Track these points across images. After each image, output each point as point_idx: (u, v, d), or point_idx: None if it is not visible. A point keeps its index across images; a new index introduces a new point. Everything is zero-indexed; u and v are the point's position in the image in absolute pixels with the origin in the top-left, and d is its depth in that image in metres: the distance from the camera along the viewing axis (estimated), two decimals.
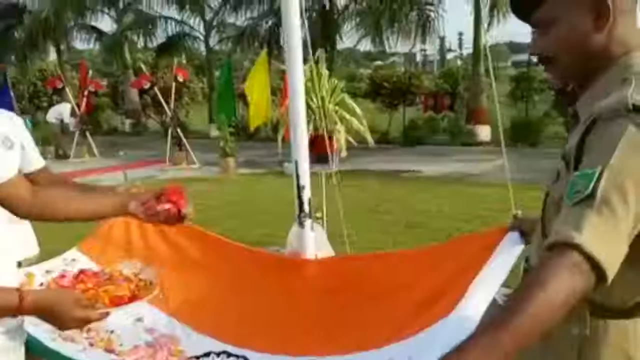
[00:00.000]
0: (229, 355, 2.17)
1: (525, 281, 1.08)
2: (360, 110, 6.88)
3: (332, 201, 4.44)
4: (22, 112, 17.28)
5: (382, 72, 17.68)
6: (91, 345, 2.07)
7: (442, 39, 31.40)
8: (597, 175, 1.07)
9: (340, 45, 18.18)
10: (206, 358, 2.15)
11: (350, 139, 6.79)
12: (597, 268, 1.02)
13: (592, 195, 1.06)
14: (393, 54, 32.86)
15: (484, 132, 14.25)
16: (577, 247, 1.02)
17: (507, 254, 1.73)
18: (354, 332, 2.08)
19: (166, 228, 2.42)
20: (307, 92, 6.37)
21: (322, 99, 6.44)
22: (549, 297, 1.00)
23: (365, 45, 17.26)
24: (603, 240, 1.04)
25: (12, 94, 16.19)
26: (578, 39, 1.23)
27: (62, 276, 2.04)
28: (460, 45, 39.12)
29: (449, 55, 40.76)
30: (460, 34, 37.90)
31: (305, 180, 2.96)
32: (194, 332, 2.26)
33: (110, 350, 2.08)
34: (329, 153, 6.97)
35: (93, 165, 12.64)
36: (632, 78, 1.16)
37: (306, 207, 2.93)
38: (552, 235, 1.09)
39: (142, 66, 14.51)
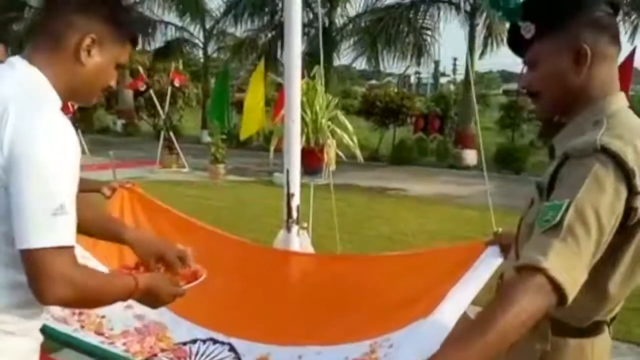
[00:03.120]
0: (215, 342, 2.26)
1: (495, 299, 1.17)
2: (351, 127, 7.05)
3: (319, 213, 4.58)
4: None
5: (375, 91, 17.95)
6: (82, 327, 2.14)
7: (436, 63, 31.77)
8: (564, 207, 1.17)
9: (336, 63, 18.46)
10: (192, 344, 2.24)
11: (340, 153, 6.95)
12: (559, 290, 1.12)
13: (559, 225, 1.16)
14: (388, 74, 33.19)
15: (470, 156, 14.51)
16: (543, 271, 1.12)
17: (485, 267, 1.83)
18: (336, 325, 2.17)
19: (158, 219, 2.56)
20: (302, 106, 6.57)
21: (316, 113, 6.61)
22: (516, 314, 1.10)
23: (361, 64, 17.53)
24: (566, 265, 1.14)
25: None
26: (559, 79, 1.34)
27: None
28: (454, 70, 39.59)
29: (443, 80, 41.20)
30: (455, 59, 38.37)
31: (295, 188, 3.11)
32: (183, 320, 2.34)
33: (100, 333, 2.16)
34: (320, 166, 7.16)
35: (83, 162, 12.61)
36: (604, 120, 1.27)
37: (294, 214, 3.08)
38: (521, 258, 1.19)
39: (140, 68, 14.60)
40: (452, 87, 26.48)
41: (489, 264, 1.84)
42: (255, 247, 2.68)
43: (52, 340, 2.07)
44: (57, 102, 1.33)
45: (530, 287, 1.12)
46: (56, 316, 2.10)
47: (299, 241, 3.03)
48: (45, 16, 1.40)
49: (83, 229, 1.49)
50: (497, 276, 1.66)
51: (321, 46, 5.30)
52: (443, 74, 43.58)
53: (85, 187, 2.28)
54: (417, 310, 1.88)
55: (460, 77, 15.94)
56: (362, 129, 18.52)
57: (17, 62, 1.32)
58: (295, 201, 3.09)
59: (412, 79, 39.56)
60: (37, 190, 1.20)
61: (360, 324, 2.12)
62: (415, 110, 16.86)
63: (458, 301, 1.75)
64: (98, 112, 21.02)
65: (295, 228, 3.03)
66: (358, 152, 7.31)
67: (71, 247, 1.25)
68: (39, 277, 1.22)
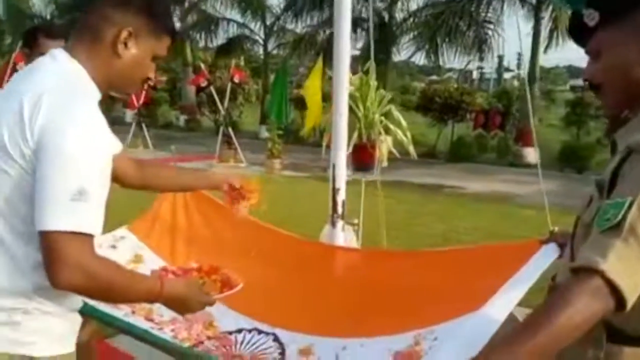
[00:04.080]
0: (260, 332, 2.28)
1: (548, 300, 1.12)
2: (405, 123, 6.97)
3: (370, 209, 4.56)
4: None
5: (434, 87, 17.66)
6: (133, 312, 2.20)
7: (500, 58, 30.95)
8: (627, 205, 1.11)
9: (395, 58, 18.30)
10: (238, 334, 2.27)
11: (393, 149, 6.89)
12: (617, 294, 1.07)
13: (620, 225, 1.10)
14: (449, 70, 32.58)
15: (531, 154, 14.06)
16: (601, 273, 1.07)
17: (538, 266, 1.78)
18: (380, 318, 2.13)
19: (209, 212, 2.60)
20: (355, 102, 6.55)
21: (369, 108, 6.59)
22: (569, 317, 1.05)
23: (421, 59, 17.30)
24: (626, 268, 1.08)
25: None
26: (623, 70, 1.27)
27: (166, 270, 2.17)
28: (518, 65, 38.41)
29: (507, 75, 40.06)
30: (519, 54, 37.23)
31: (341, 183, 3.11)
32: (229, 310, 2.35)
33: (149, 319, 2.21)
34: (371, 162, 7.12)
35: (146, 156, 13.14)
36: None
37: (339, 209, 3.08)
38: (579, 258, 1.13)
39: (201, 65, 14.96)
40: (515, 82, 25.71)
41: (542, 263, 1.79)
42: (302, 240, 2.69)
43: (106, 324, 2.16)
44: (95, 94, 1.39)
45: (587, 290, 1.08)
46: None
47: (344, 236, 3.02)
48: (85, 11, 1.46)
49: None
50: (549, 277, 1.61)
51: (372, 40, 5.29)
52: (507, 69, 42.38)
53: None
54: (465, 305, 1.85)
55: (525, 72, 15.40)
56: (420, 125, 18.30)
57: (59, 54, 1.38)
58: (341, 196, 3.08)
59: (475, 75, 38.71)
60: (58, 175, 1.24)
61: (404, 317, 2.10)
62: (476, 106, 16.48)
63: (508, 298, 1.71)
64: (162, 108, 21.68)
65: (340, 223, 3.02)
66: (411, 149, 7.24)
67: (89, 236, 1.27)
68: (51, 259, 1.24)
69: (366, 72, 7.19)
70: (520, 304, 1.73)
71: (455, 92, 16.14)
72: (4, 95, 1.37)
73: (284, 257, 2.48)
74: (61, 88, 1.30)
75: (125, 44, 1.39)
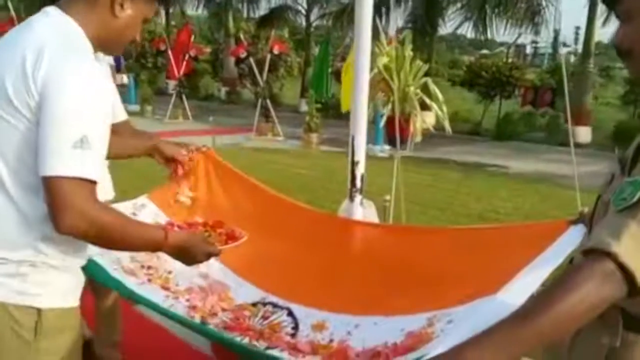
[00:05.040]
0: (275, 306, 2.26)
1: (556, 282, 1.05)
2: (441, 97, 6.60)
3: (404, 187, 4.31)
4: (128, 71, 18.28)
5: (482, 61, 16.97)
6: (149, 281, 2.19)
7: (556, 32, 29.59)
8: None
9: (442, 30, 17.63)
10: (253, 307, 2.26)
11: (429, 125, 6.55)
12: (630, 279, 1.00)
13: (637, 204, 1.04)
14: (502, 44, 31.48)
15: (583, 133, 13.37)
16: (612, 256, 1.01)
17: (563, 248, 1.67)
18: (395, 297, 2.09)
19: (230, 182, 2.61)
20: (389, 74, 6.22)
21: (403, 81, 6.25)
22: (575, 303, 0.99)
23: (469, 31, 16.59)
24: None
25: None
26: None
27: (171, 224, 2.22)
28: (575, 40, 36.76)
29: (563, 50, 38.49)
30: (577, 28, 35.56)
31: (361, 155, 2.95)
32: (245, 282, 2.36)
33: (166, 288, 2.21)
34: (404, 137, 6.79)
35: (185, 127, 13.16)
36: None
37: (358, 183, 2.93)
38: (591, 239, 1.08)
39: (241, 35, 14.79)
40: (572, 58, 24.57)
41: (569, 244, 1.67)
42: (319, 214, 2.67)
43: (120, 292, 2.18)
44: (90, 50, 1.43)
45: (597, 273, 1.01)
46: (125, 268, 2.15)
47: (363, 211, 2.92)
48: None
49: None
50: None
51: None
52: (564, 44, 40.68)
53: None
54: (483, 288, 1.75)
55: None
56: (466, 100, 17.73)
57: (52, 11, 1.42)
58: (360, 170, 2.94)
59: (528, 49, 37.33)
60: (61, 122, 1.29)
61: (420, 297, 2.04)
62: (526, 81, 15.77)
63: (528, 282, 1.59)
64: (204, 79, 21.72)
65: (358, 198, 2.90)
66: (447, 124, 6.87)
67: (92, 182, 1.32)
68: (55, 205, 1.28)
69: (402, 43, 6.82)
70: (544, 284, 1.60)
71: (504, 67, 15.49)
72: (5, 49, 1.40)
73: (301, 230, 2.47)
74: (61, 41, 1.36)
75: (122, 5, 1.45)
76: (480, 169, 10.08)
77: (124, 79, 17.76)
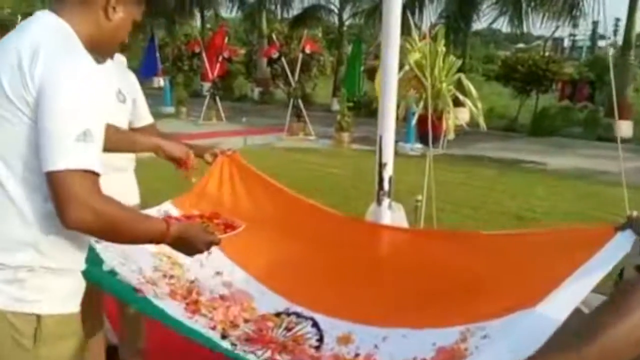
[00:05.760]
0: (299, 316, 2.22)
1: (605, 305, 0.98)
2: (476, 93, 6.47)
3: (436, 186, 4.22)
4: (164, 73, 18.54)
5: (517, 55, 16.59)
6: (171, 291, 2.14)
7: (595, 24, 28.76)
8: None
9: (477, 26, 17.33)
10: (276, 317, 2.21)
11: (463, 122, 6.44)
12: None
13: None
14: (538, 37, 30.78)
15: (625, 128, 12.94)
16: None
17: (610, 257, 1.58)
18: (426, 308, 2.01)
19: (254, 186, 2.58)
20: (421, 70, 6.13)
21: (436, 77, 6.16)
22: (630, 329, 0.91)
23: (504, 26, 16.26)
24: None
25: (157, 54, 17.42)
26: None
27: (168, 217, 2.17)
28: (615, 32, 35.69)
29: (602, 43, 37.39)
30: (617, 19, 34.50)
31: (388, 157, 2.86)
32: (269, 291, 2.31)
33: (185, 297, 2.15)
34: (436, 135, 6.70)
35: (218, 129, 13.27)
36: None
37: (386, 185, 2.84)
38: None
39: (273, 36, 14.83)
40: (611, 50, 23.84)
41: (615, 254, 1.58)
42: (346, 218, 2.57)
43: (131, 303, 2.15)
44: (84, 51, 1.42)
45: None
46: (147, 278, 2.12)
47: (391, 215, 2.82)
48: None
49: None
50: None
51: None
52: (602, 37, 39.54)
53: None
54: (521, 299, 1.67)
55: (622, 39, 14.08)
56: (502, 95, 17.38)
57: (45, 15, 1.43)
58: (388, 172, 2.94)
59: (566, 42, 36.41)
60: (61, 117, 1.28)
61: (452, 308, 1.95)
62: (563, 75, 15.35)
63: (572, 294, 1.52)
64: (238, 80, 21.85)
65: (386, 201, 2.82)
66: (481, 120, 6.75)
67: (95, 174, 1.31)
68: (61, 198, 1.28)
69: (435, 39, 6.70)
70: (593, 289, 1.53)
71: (541, 61, 15.09)
72: (1, 50, 1.40)
73: (326, 236, 2.41)
74: (56, 39, 1.36)
75: (114, 8, 1.47)
76: (516, 166, 9.85)
77: (161, 81, 18.05)
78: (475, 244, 2.18)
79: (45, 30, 1.38)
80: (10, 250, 1.36)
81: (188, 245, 1.58)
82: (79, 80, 1.31)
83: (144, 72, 17.73)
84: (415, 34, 6.22)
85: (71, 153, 1.27)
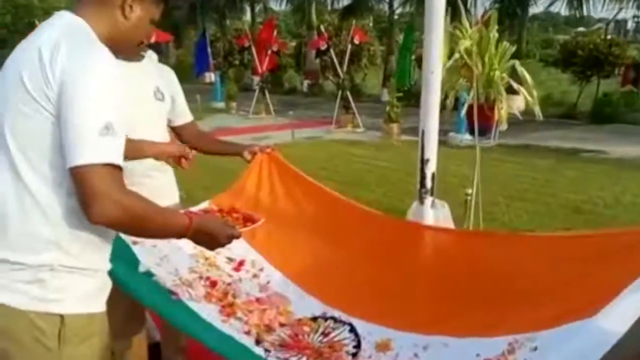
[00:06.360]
0: (336, 321, 2.16)
1: None
2: (531, 80, 6.14)
3: (488, 178, 4.02)
4: (215, 68, 18.76)
5: (577, 39, 15.85)
6: (208, 293, 2.11)
7: None
8: None
9: (534, 10, 16.70)
10: (313, 322, 2.17)
11: (516, 110, 6.13)
12: None
13: None
14: (599, 20, 29.46)
15: None
16: None
17: None
18: (471, 315, 1.92)
19: (291, 185, 2.55)
20: (471, 58, 5.86)
21: (487, 65, 5.88)
22: None
23: (563, 9, 15.62)
24: None
25: (209, 50, 17.64)
26: None
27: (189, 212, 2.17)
28: None
29: None
30: None
31: (431, 152, 2.73)
32: (306, 295, 2.27)
33: (221, 300, 2.13)
34: (488, 125, 6.41)
35: (267, 122, 13.31)
36: None
37: (428, 183, 2.71)
38: None
39: (321, 27, 14.71)
40: None
41: None
42: (386, 218, 2.51)
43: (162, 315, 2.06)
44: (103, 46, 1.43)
45: None
46: (183, 280, 2.10)
47: (435, 214, 2.68)
48: None
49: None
50: None
51: None
52: None
53: (228, 150, 2.64)
54: (578, 308, 1.56)
55: None
56: (561, 81, 16.68)
57: (65, 14, 1.46)
58: (430, 168, 2.81)
59: (629, 24, 34.67)
60: (84, 112, 1.29)
61: (499, 316, 1.84)
62: (627, 59, 14.57)
63: (635, 302, 1.40)
64: (288, 73, 21.89)
65: (429, 199, 2.69)
66: (537, 109, 6.39)
67: (118, 168, 1.32)
68: (86, 193, 1.28)
69: (487, 24, 6.40)
70: None
71: (602, 44, 14.35)
72: (22, 49, 1.43)
73: (365, 237, 2.34)
74: (76, 35, 1.39)
75: (131, 7, 1.49)
76: (575, 156, 9.41)
77: (212, 77, 18.29)
78: (524, 246, 2.03)
79: (65, 27, 1.40)
80: (31, 249, 1.35)
81: (210, 239, 1.59)
82: (100, 74, 1.32)
83: (198, 68, 18.04)
84: (466, 20, 5.96)
85: (95, 147, 1.28)
